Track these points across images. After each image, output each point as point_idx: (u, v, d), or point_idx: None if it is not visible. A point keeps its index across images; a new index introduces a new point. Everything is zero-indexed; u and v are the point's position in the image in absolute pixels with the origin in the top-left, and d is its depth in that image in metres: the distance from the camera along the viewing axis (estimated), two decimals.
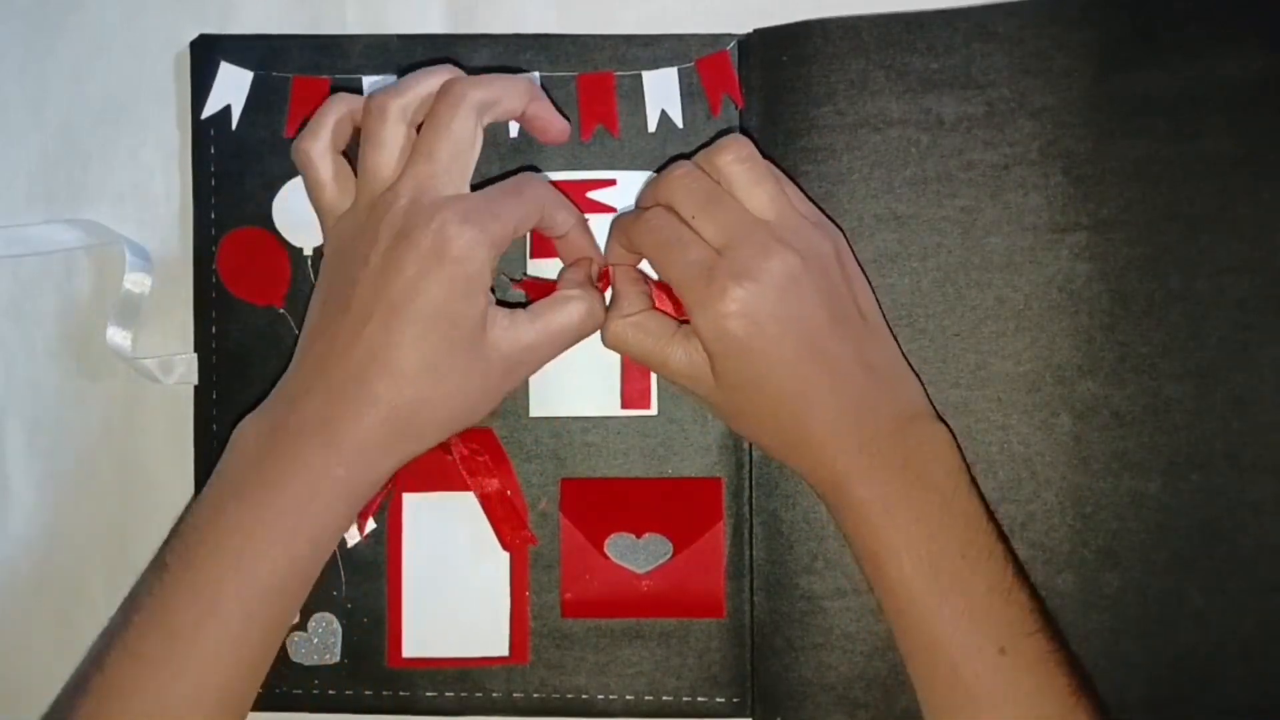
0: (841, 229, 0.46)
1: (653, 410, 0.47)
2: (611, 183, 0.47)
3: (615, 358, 0.47)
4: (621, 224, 0.44)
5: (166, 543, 0.40)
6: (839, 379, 0.41)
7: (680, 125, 0.48)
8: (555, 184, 0.47)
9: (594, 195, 0.47)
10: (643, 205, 0.44)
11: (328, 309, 0.41)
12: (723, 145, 0.42)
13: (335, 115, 0.42)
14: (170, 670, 0.38)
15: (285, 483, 0.39)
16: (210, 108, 0.48)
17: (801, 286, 0.40)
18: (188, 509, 0.41)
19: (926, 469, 0.41)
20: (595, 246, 0.46)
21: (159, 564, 0.40)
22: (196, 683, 0.38)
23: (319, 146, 0.42)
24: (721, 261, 0.40)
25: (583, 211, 0.47)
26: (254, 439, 0.40)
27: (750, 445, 0.47)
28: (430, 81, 0.41)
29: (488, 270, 0.40)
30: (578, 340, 0.43)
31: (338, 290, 0.41)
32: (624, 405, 0.47)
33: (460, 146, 0.41)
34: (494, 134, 0.48)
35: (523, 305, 0.43)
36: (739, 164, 0.42)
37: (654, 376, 0.47)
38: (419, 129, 0.42)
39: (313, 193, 0.43)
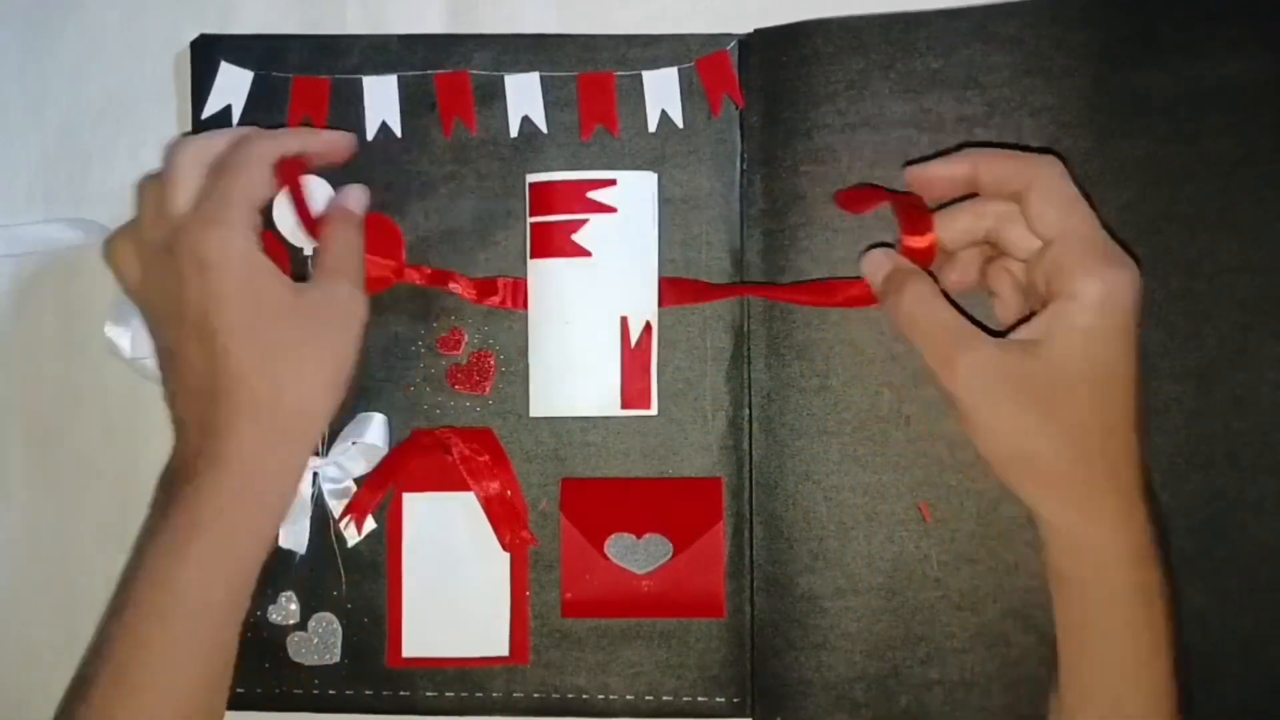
0: (841, 229, 0.46)
1: (653, 410, 0.47)
2: (612, 183, 0.47)
3: (616, 358, 0.47)
4: (1002, 154, 0.41)
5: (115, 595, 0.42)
6: (1143, 432, 0.40)
7: (680, 125, 0.48)
8: (554, 184, 0.47)
9: (594, 195, 0.47)
10: (981, 163, 0.41)
11: (161, 355, 0.44)
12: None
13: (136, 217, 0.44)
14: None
15: (194, 512, 0.40)
16: (210, 108, 0.48)
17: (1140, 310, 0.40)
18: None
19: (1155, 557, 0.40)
20: (333, 136, 0.47)
21: (112, 617, 0.41)
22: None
23: (123, 246, 0.44)
24: (1114, 244, 0.39)
25: (582, 210, 0.47)
26: (164, 491, 0.42)
27: (750, 445, 0.47)
28: (192, 149, 0.44)
29: (251, 252, 0.41)
30: (359, 263, 0.45)
31: (157, 331, 0.44)
32: (624, 405, 0.47)
33: (190, 182, 0.42)
34: (494, 134, 0.48)
35: None
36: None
37: (654, 376, 0.47)
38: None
39: (125, 283, 0.44)
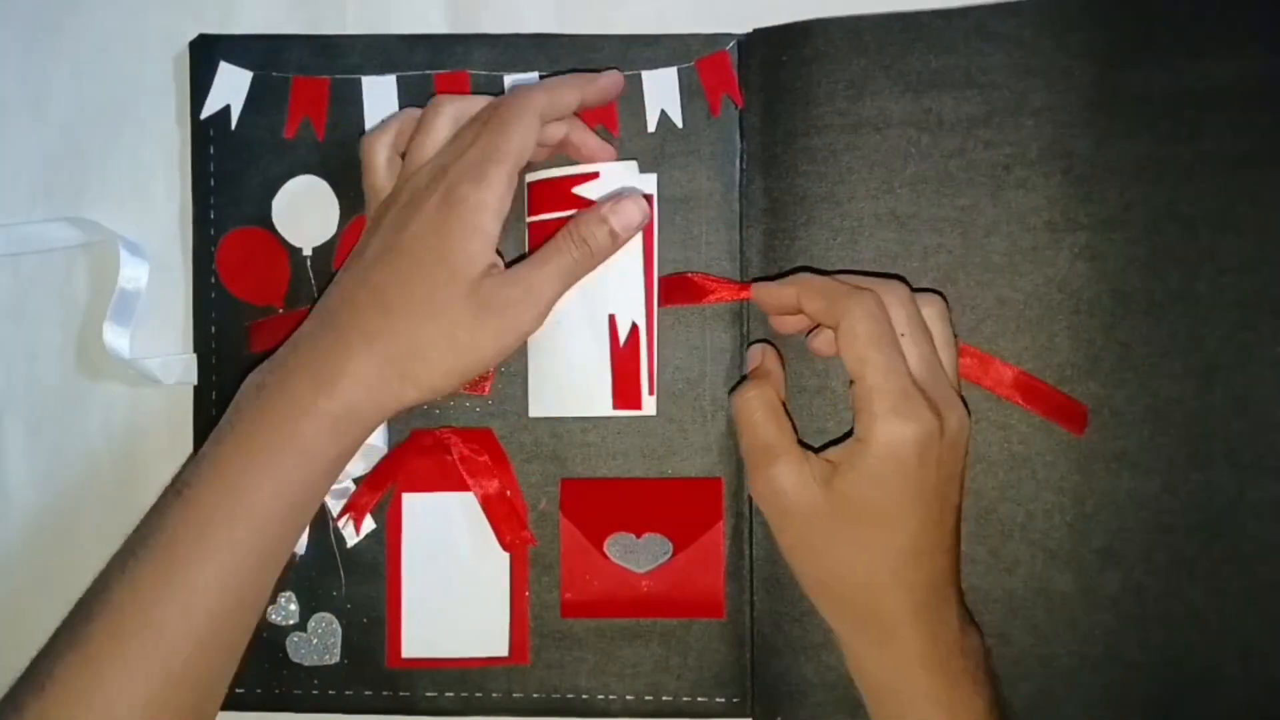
0: (841, 229, 0.46)
1: (645, 411, 0.47)
2: (595, 175, 0.46)
3: (607, 358, 0.47)
4: (823, 288, 0.42)
5: (175, 477, 0.42)
6: (945, 550, 0.41)
7: (680, 125, 0.48)
8: (544, 182, 0.47)
9: (579, 190, 0.47)
10: (800, 294, 0.43)
11: (346, 263, 0.44)
12: (933, 300, 0.43)
13: (400, 119, 0.45)
14: (162, 601, 0.39)
15: (270, 417, 0.41)
16: (210, 108, 0.48)
17: (959, 452, 0.42)
18: (205, 444, 0.42)
19: (968, 665, 0.42)
20: (596, 141, 0.47)
21: (165, 496, 0.41)
22: (184, 610, 0.39)
23: (382, 139, 0.45)
24: (921, 389, 0.40)
25: (569, 206, 0.46)
26: (255, 381, 0.42)
27: None
28: (481, 99, 0.45)
29: (491, 214, 0.42)
30: (566, 285, 0.43)
31: (358, 246, 0.44)
32: (615, 405, 0.47)
33: (519, 140, 0.43)
34: None
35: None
36: (941, 321, 0.43)
37: (645, 376, 0.47)
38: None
39: (365, 176, 0.45)
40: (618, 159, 0.47)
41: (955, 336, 0.44)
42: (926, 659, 0.40)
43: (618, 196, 0.44)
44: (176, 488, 0.41)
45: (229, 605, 0.40)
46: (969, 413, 0.42)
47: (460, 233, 0.41)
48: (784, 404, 0.44)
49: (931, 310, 0.42)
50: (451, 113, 0.44)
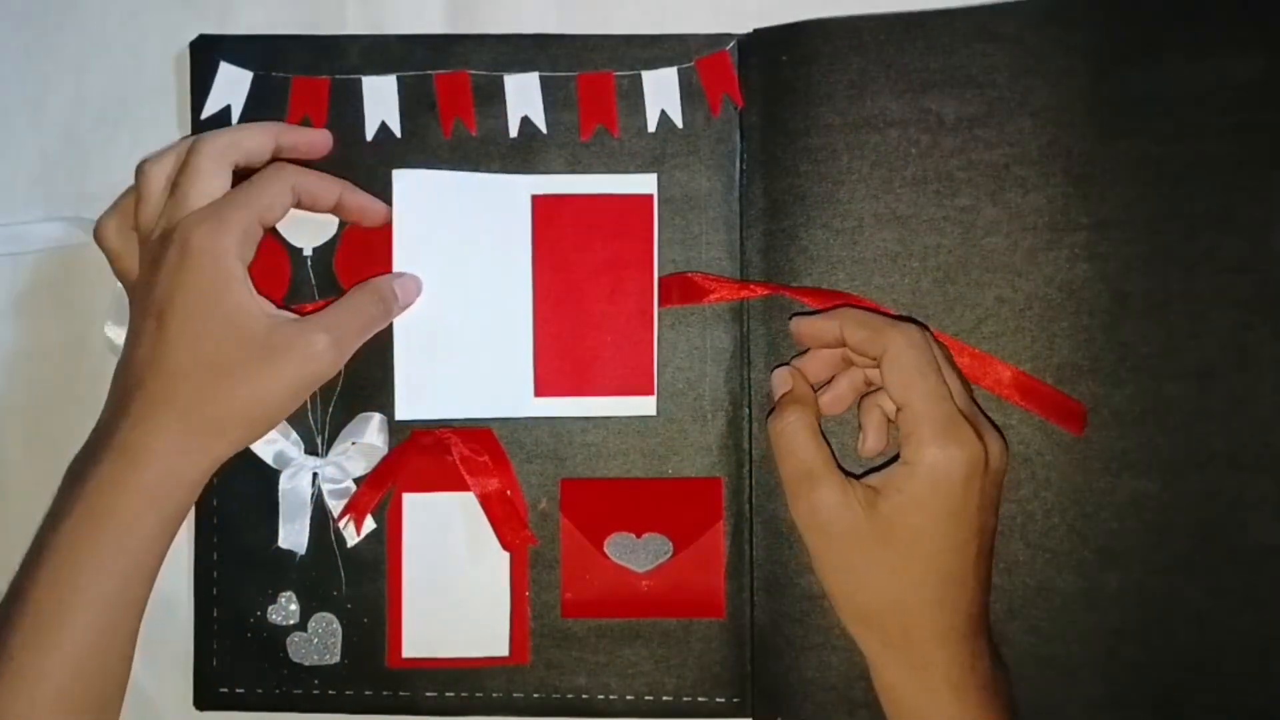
0: (841, 229, 0.46)
1: (652, 411, 0.47)
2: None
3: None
4: (865, 319, 0.43)
5: (12, 581, 0.41)
6: (980, 579, 0.42)
7: (680, 125, 0.48)
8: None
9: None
10: (844, 326, 0.43)
11: (125, 344, 0.43)
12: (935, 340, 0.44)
13: (123, 196, 0.45)
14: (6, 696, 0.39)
15: (87, 502, 0.40)
16: (210, 108, 0.48)
17: (999, 481, 0.42)
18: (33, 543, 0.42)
19: (996, 694, 0.42)
20: (373, 202, 0.47)
21: (10, 590, 0.41)
22: (30, 702, 0.39)
23: (109, 223, 0.45)
24: (972, 414, 0.41)
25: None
26: (70, 470, 0.42)
27: (750, 445, 0.47)
28: (181, 145, 0.45)
29: (235, 261, 0.42)
30: (365, 334, 0.45)
31: (130, 326, 0.43)
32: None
33: (207, 180, 0.43)
34: (494, 134, 0.48)
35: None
36: (950, 362, 0.44)
37: (655, 368, 0.47)
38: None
39: (112, 265, 0.45)
40: (387, 218, 0.47)
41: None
42: (956, 685, 0.41)
43: (404, 275, 0.47)
44: (10, 591, 0.41)
45: (79, 690, 0.40)
46: (1007, 445, 0.43)
47: (214, 284, 0.41)
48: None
49: (939, 352, 0.43)
50: (158, 172, 0.44)
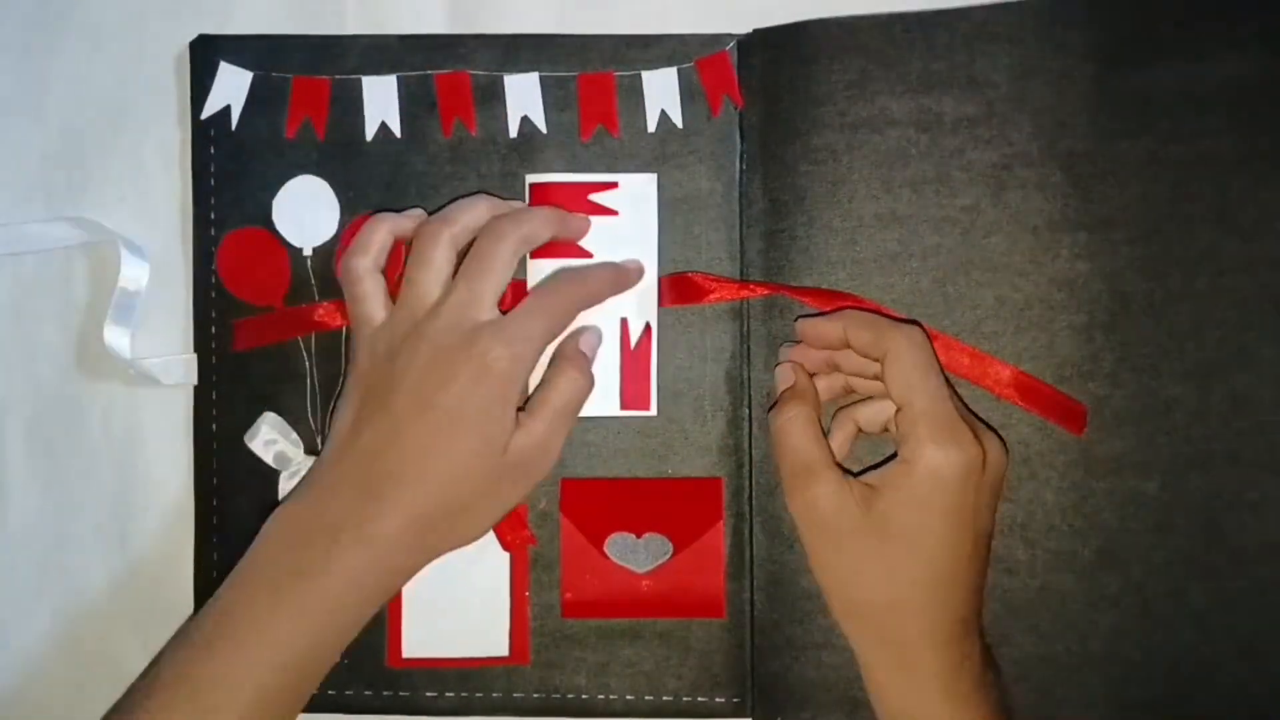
0: (841, 229, 0.46)
1: (652, 411, 0.47)
2: (613, 185, 0.47)
3: (614, 356, 0.47)
4: (869, 321, 0.43)
5: (193, 618, 0.41)
6: (974, 582, 0.42)
7: (680, 125, 0.48)
8: (555, 185, 0.47)
9: (595, 197, 0.47)
10: (847, 327, 0.43)
11: (364, 410, 0.42)
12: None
13: (380, 234, 0.45)
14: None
15: (318, 576, 0.40)
16: (210, 108, 0.48)
17: (997, 484, 0.42)
18: (219, 591, 0.41)
19: (988, 698, 0.42)
20: (576, 219, 0.47)
21: (184, 637, 0.41)
22: None
23: (365, 263, 0.44)
24: (969, 419, 0.42)
25: (583, 211, 0.47)
26: (289, 529, 0.42)
27: (750, 445, 0.47)
28: (477, 213, 0.44)
29: (521, 389, 0.42)
30: (579, 411, 0.45)
31: (376, 393, 0.42)
32: (624, 406, 0.47)
33: (501, 278, 0.43)
34: (494, 134, 0.48)
35: None
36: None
37: (654, 377, 0.47)
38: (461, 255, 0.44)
39: (354, 305, 0.44)
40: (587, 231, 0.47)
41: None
42: (947, 687, 0.41)
43: (584, 330, 0.46)
44: (203, 631, 0.40)
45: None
46: (1007, 449, 0.43)
47: (499, 407, 0.41)
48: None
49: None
50: (448, 242, 0.43)
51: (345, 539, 0.40)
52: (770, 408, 0.45)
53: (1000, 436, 0.43)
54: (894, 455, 0.42)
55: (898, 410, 0.41)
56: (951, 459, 0.40)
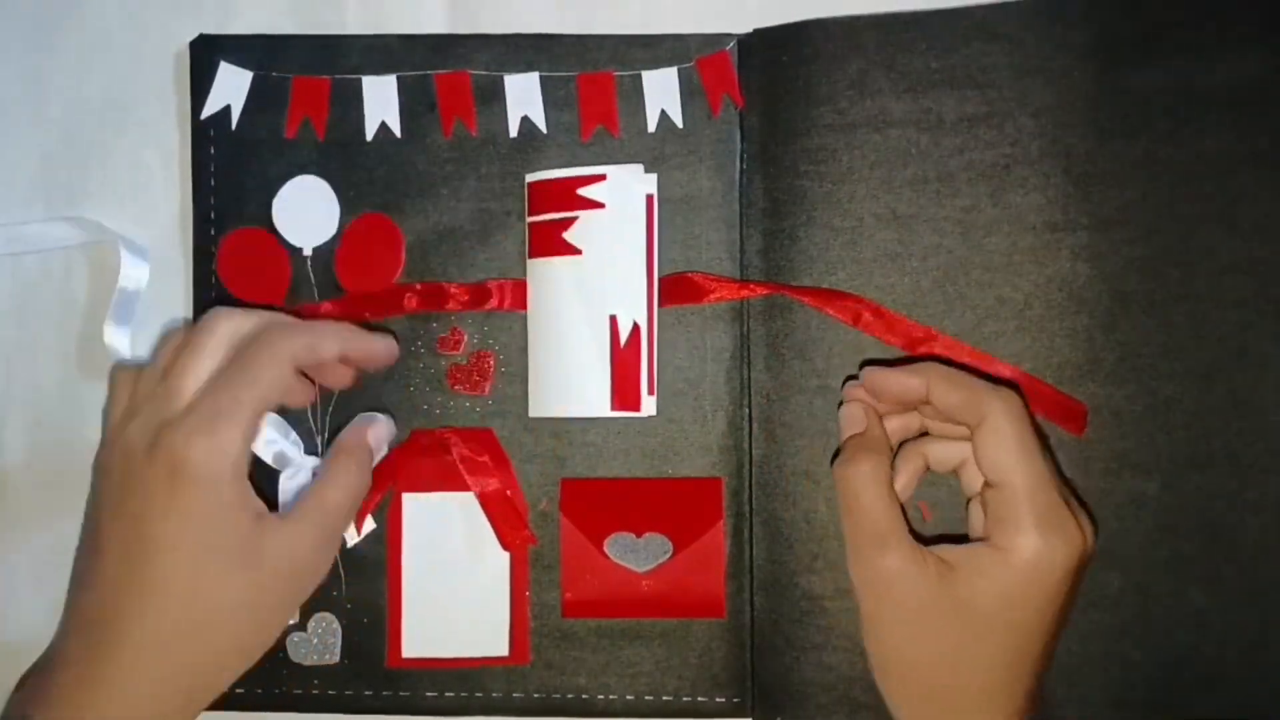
0: (841, 229, 0.46)
1: (643, 412, 0.47)
2: (601, 178, 0.47)
3: (605, 356, 0.47)
4: (960, 380, 0.39)
5: None
6: (1047, 661, 0.39)
7: (680, 125, 0.48)
8: (547, 182, 0.47)
9: (584, 191, 0.47)
10: (936, 386, 0.40)
11: (81, 570, 0.39)
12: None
13: (173, 338, 0.41)
14: None
15: None
16: (210, 108, 0.48)
17: (1087, 567, 0.39)
18: None
19: None
20: (377, 341, 0.43)
21: None
22: None
23: (127, 373, 0.41)
24: (1069, 500, 0.38)
25: (573, 207, 0.47)
26: (26, 698, 0.38)
27: (750, 445, 0.47)
28: (208, 321, 0.40)
29: (235, 479, 0.37)
30: (359, 499, 0.42)
31: (86, 547, 0.39)
32: (614, 407, 0.47)
33: (200, 366, 0.38)
34: (494, 135, 0.48)
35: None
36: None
37: (645, 377, 0.47)
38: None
39: (106, 407, 0.41)
40: (396, 357, 0.45)
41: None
42: None
43: (373, 419, 0.44)
44: None
45: None
46: (1095, 523, 0.40)
47: (217, 510, 0.36)
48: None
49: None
50: (176, 341, 0.39)
51: (78, 700, 0.36)
52: (835, 455, 0.41)
53: (1088, 509, 0.40)
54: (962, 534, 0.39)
55: (988, 487, 0.38)
56: (1056, 552, 0.36)
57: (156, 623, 0.36)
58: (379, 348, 0.42)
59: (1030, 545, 0.36)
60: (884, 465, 0.39)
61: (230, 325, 0.39)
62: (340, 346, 0.40)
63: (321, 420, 0.48)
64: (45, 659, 0.39)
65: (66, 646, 0.38)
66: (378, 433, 0.44)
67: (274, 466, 0.47)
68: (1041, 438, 0.39)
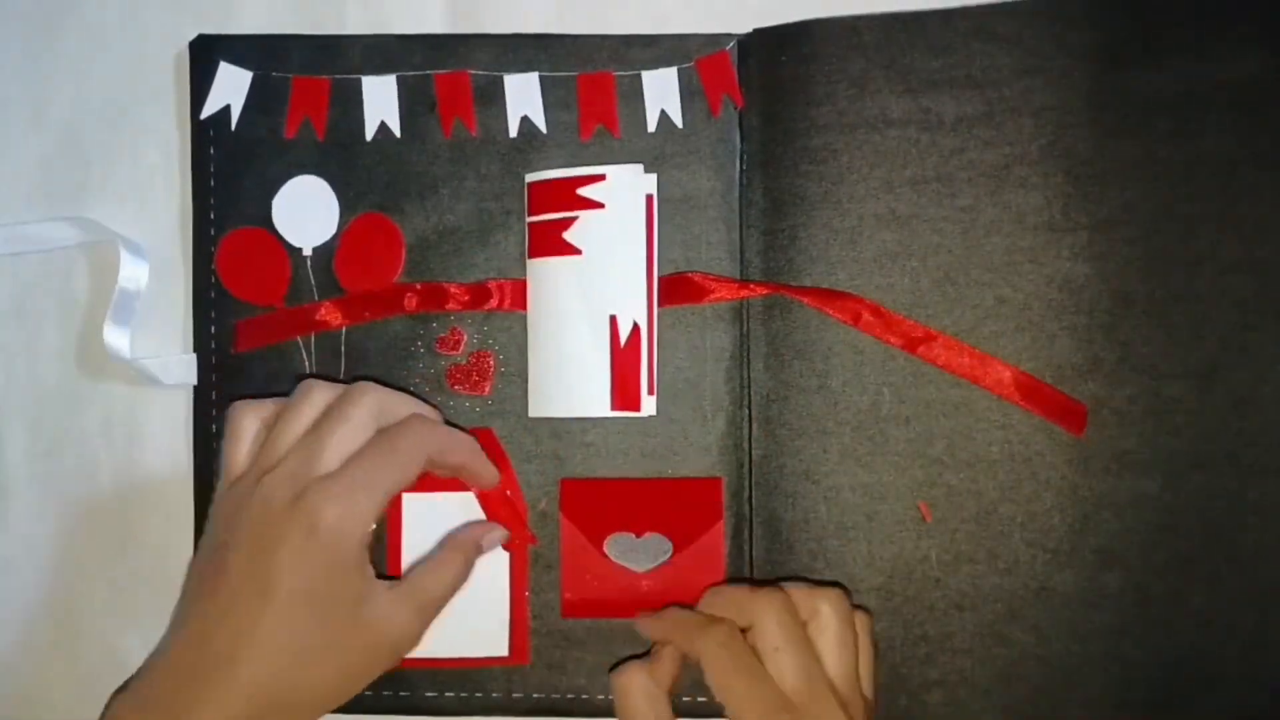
0: (841, 229, 0.46)
1: (643, 412, 0.47)
2: (601, 178, 0.47)
3: (604, 355, 0.47)
4: (682, 623, 0.43)
5: None
6: None
7: (680, 125, 0.48)
8: (547, 182, 0.47)
9: (584, 191, 0.47)
10: (710, 608, 0.43)
11: (202, 591, 0.41)
12: (829, 594, 0.42)
13: (274, 405, 0.43)
14: None
15: None
16: (210, 108, 0.48)
17: None
18: None
19: None
20: (489, 468, 0.46)
21: None
22: None
23: (254, 411, 0.43)
24: (790, 706, 0.39)
25: (573, 207, 0.47)
26: (126, 702, 0.40)
27: (750, 445, 0.47)
28: (355, 394, 0.43)
29: (360, 546, 0.40)
30: (451, 596, 0.44)
31: (209, 571, 0.41)
32: (614, 406, 0.47)
33: (348, 436, 0.41)
34: (494, 134, 0.48)
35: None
36: (839, 619, 0.41)
37: (645, 377, 0.47)
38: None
39: (225, 445, 0.43)
40: (497, 481, 0.47)
41: (864, 627, 0.43)
42: None
43: (489, 527, 0.46)
44: None
45: None
46: (865, 711, 0.41)
47: (338, 571, 0.40)
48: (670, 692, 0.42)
49: (827, 607, 0.41)
50: (320, 401, 0.42)
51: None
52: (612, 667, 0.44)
53: (846, 713, 0.40)
54: None
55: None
56: None
57: (265, 648, 0.39)
58: (490, 474, 0.46)
59: None
60: (643, 673, 0.42)
61: (379, 402, 0.42)
62: (464, 460, 0.45)
63: None
64: (149, 666, 0.41)
65: (176, 655, 0.40)
66: (491, 538, 0.46)
67: None
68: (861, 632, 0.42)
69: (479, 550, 0.46)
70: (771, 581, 0.43)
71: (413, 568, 0.44)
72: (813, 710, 0.39)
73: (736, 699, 0.39)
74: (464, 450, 0.44)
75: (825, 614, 0.41)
